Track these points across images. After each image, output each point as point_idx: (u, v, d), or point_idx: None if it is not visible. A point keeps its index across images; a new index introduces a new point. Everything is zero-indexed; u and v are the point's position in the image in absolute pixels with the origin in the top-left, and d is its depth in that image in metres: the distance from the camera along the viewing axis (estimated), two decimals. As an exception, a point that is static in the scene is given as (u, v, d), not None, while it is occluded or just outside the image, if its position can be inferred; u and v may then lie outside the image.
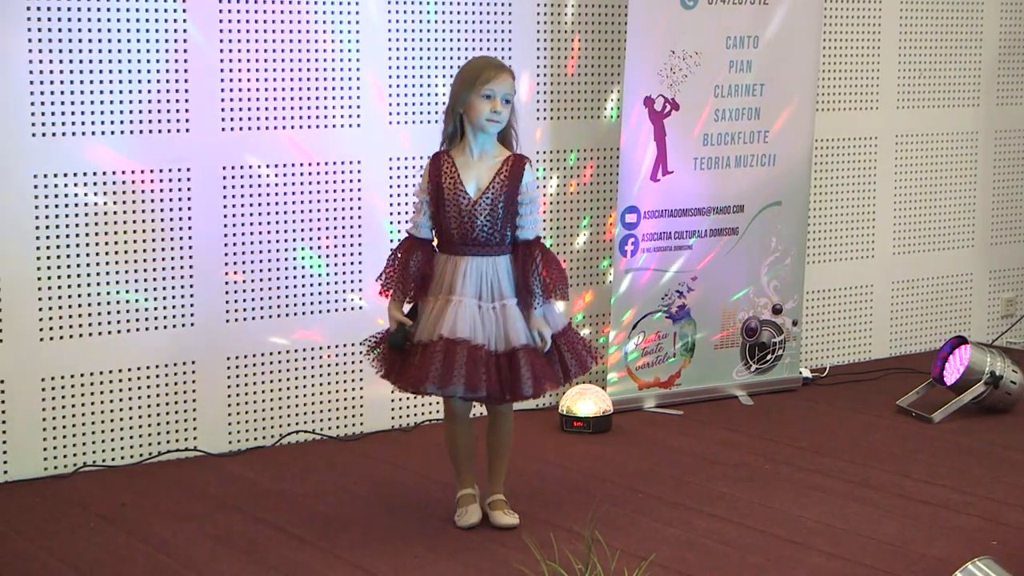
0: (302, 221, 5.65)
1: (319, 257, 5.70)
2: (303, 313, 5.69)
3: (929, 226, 7.40)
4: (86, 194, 5.22)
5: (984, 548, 4.44)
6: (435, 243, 4.59)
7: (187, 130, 5.40)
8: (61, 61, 5.13)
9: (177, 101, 5.37)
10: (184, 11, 5.33)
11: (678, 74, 6.09)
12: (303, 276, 5.68)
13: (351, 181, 5.75)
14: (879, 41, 7.09)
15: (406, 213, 5.85)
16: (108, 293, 5.30)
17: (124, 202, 5.30)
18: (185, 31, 5.35)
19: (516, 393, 4.48)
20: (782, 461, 5.47)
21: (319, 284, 5.72)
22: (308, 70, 5.62)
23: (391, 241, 5.81)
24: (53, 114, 5.14)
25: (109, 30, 5.20)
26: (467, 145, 4.53)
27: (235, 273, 5.52)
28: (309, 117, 5.63)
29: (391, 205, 5.84)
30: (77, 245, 5.22)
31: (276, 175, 5.59)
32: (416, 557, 4.40)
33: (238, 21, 5.45)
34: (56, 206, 5.18)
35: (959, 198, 7.47)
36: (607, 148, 6.33)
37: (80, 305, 5.25)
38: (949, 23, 7.29)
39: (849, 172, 7.10)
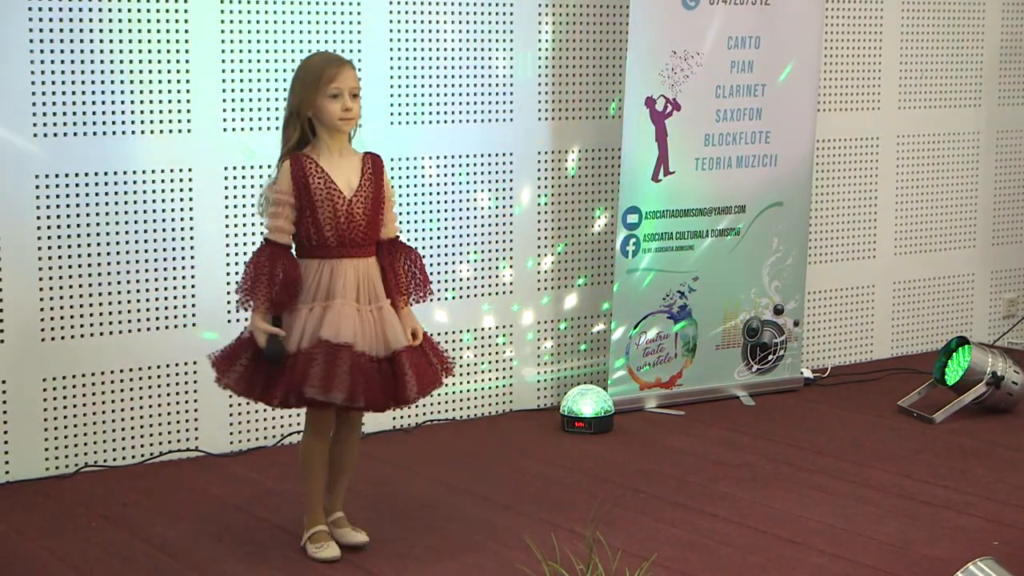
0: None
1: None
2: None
3: (931, 226, 7.40)
4: (87, 194, 5.22)
5: (985, 548, 4.44)
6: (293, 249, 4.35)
7: (188, 131, 5.40)
8: (63, 61, 5.14)
9: (179, 101, 5.37)
10: (186, 11, 5.33)
11: (679, 74, 6.09)
12: (305, 276, 5.68)
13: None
14: (880, 41, 7.09)
15: (410, 213, 5.85)
16: (110, 293, 5.30)
17: (126, 202, 5.30)
18: (187, 31, 5.35)
19: (401, 399, 4.29)
20: (783, 461, 5.47)
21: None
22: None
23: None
24: (55, 114, 5.14)
25: (111, 30, 5.21)
26: (323, 146, 4.29)
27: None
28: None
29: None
30: (79, 245, 5.23)
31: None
32: (417, 557, 4.40)
33: (239, 22, 5.45)
34: (57, 206, 5.18)
35: (961, 198, 7.47)
36: (608, 148, 6.33)
37: (82, 305, 5.25)
38: (950, 23, 7.29)
39: (851, 172, 7.10)
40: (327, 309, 4.24)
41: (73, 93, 5.17)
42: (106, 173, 5.26)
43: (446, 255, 5.98)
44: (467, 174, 6.01)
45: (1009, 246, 7.68)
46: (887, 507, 4.92)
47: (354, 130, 4.39)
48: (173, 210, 5.40)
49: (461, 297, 6.05)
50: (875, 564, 4.36)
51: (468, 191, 6.03)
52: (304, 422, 4.43)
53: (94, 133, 5.22)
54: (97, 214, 5.25)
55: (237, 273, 5.53)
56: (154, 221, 5.37)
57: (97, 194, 5.24)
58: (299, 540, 4.53)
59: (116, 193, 5.28)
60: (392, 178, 5.81)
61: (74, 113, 5.18)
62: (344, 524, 4.48)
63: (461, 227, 6.02)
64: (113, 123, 5.25)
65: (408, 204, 5.86)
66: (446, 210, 5.98)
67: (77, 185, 5.21)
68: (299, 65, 4.36)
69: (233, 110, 5.48)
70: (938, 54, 7.28)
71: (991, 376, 6.07)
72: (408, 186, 5.86)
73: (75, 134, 5.19)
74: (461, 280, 6.03)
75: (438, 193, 5.94)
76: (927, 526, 4.72)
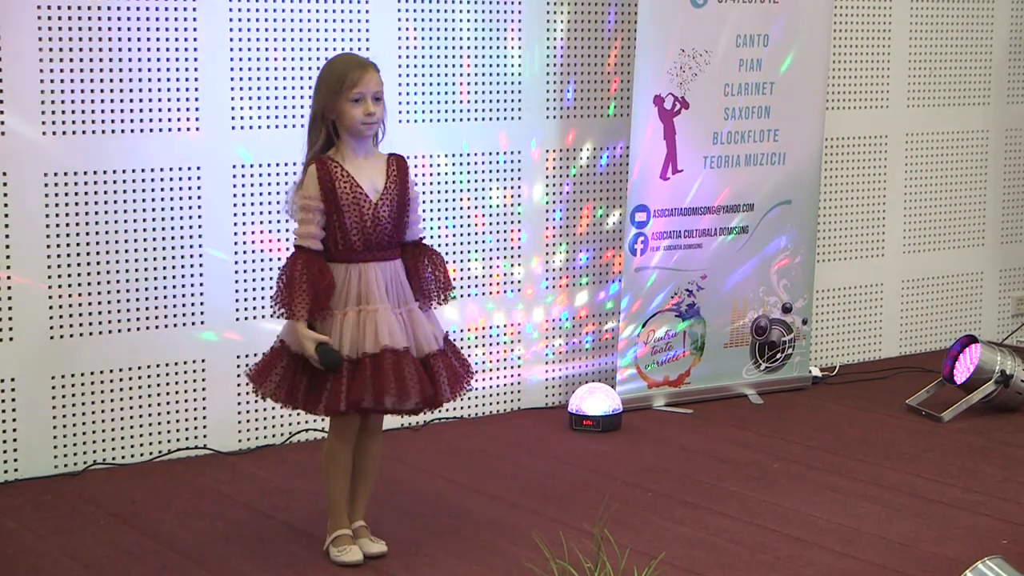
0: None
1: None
2: (313, 311, 5.69)
3: (939, 225, 7.39)
4: (96, 192, 5.23)
5: (994, 547, 4.44)
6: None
7: (197, 129, 5.40)
8: (72, 59, 5.14)
9: (187, 100, 5.37)
10: (195, 9, 5.34)
11: (688, 72, 6.08)
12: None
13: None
14: (889, 39, 7.08)
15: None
16: (119, 291, 5.31)
17: (135, 200, 5.31)
18: (196, 29, 5.35)
19: (436, 401, 4.30)
20: (792, 460, 5.47)
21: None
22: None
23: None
24: (64, 112, 5.15)
25: (119, 28, 5.21)
26: (348, 149, 4.27)
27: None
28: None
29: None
30: (87, 243, 5.23)
31: (285, 173, 5.59)
32: (426, 555, 4.40)
33: (248, 20, 5.46)
34: (66, 204, 5.18)
35: (969, 197, 7.46)
36: (617, 146, 6.33)
37: (90, 303, 5.26)
38: (959, 21, 7.28)
39: (859, 171, 7.09)
40: (366, 314, 4.23)
41: (82, 91, 5.17)
42: (115, 171, 5.26)
43: (454, 253, 5.98)
44: (475, 172, 6.01)
45: (1018, 244, 7.66)
46: (896, 506, 4.91)
47: (381, 132, 4.38)
48: (182, 208, 5.40)
49: (469, 295, 6.05)
50: (884, 563, 4.35)
51: (476, 189, 6.03)
52: (328, 426, 4.41)
53: (103, 131, 5.22)
54: (106, 212, 5.26)
55: (245, 272, 5.54)
56: (163, 219, 5.37)
57: (106, 192, 5.25)
58: (308, 537, 4.53)
59: (125, 191, 5.29)
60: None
61: (83, 111, 5.18)
62: (363, 534, 4.43)
63: (469, 225, 6.02)
64: (122, 121, 5.26)
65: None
66: (454, 208, 5.98)
67: (86, 183, 5.21)
68: (322, 68, 4.34)
69: (242, 108, 5.48)
70: (947, 52, 7.27)
71: (1000, 375, 6.06)
72: (416, 184, 5.86)
73: (84, 132, 5.19)
74: (469, 278, 6.03)
75: (446, 191, 5.94)
76: (936, 525, 4.71)
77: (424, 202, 5.88)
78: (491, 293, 6.11)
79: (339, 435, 4.36)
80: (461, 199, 5.99)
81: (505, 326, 6.15)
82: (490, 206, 6.07)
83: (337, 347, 4.20)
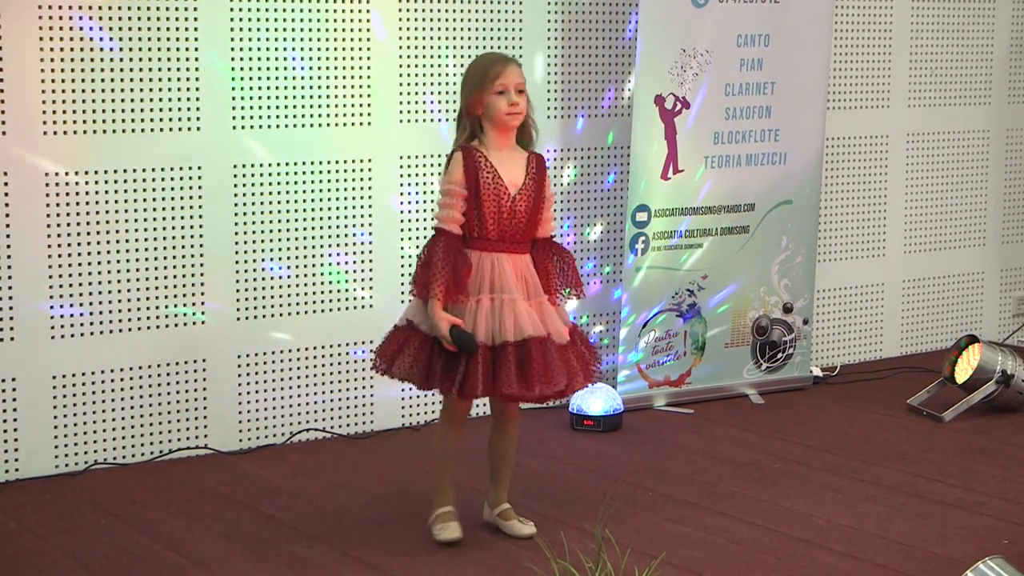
0: (312, 219, 5.65)
1: (330, 255, 5.70)
2: (313, 311, 5.69)
3: (940, 225, 7.38)
4: (97, 192, 5.23)
5: (995, 547, 4.43)
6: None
7: (198, 128, 5.40)
8: (72, 60, 5.14)
9: (188, 99, 5.37)
10: (195, 8, 5.33)
11: (689, 72, 6.08)
12: (313, 274, 5.68)
13: (362, 179, 5.75)
14: (890, 39, 7.08)
15: (416, 212, 5.85)
16: (119, 291, 5.31)
17: (135, 200, 5.31)
18: (196, 29, 5.35)
19: (575, 385, 4.44)
20: (792, 460, 5.47)
21: (329, 282, 5.72)
22: (318, 68, 5.62)
23: (401, 240, 5.81)
24: (64, 112, 5.15)
25: (120, 28, 5.21)
26: (491, 143, 4.40)
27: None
28: (320, 115, 5.63)
29: (401, 203, 5.84)
30: (88, 243, 5.23)
31: (287, 173, 5.59)
32: (426, 554, 4.40)
33: (249, 19, 5.46)
34: (67, 204, 5.19)
35: (970, 196, 7.46)
36: (617, 146, 6.32)
37: (91, 303, 5.26)
38: (960, 21, 7.28)
39: (860, 171, 7.09)
40: (503, 303, 4.33)
41: (83, 91, 5.17)
42: (115, 171, 5.26)
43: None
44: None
45: (1019, 244, 7.66)
46: (896, 506, 4.91)
47: (534, 129, 4.47)
48: (182, 208, 5.40)
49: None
50: (885, 563, 4.35)
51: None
52: (441, 411, 4.54)
53: (103, 131, 5.22)
54: (107, 212, 5.26)
55: (245, 271, 5.54)
56: (163, 219, 5.37)
57: (107, 192, 5.25)
58: (309, 537, 4.53)
59: (125, 191, 5.28)
60: (401, 178, 5.82)
61: (83, 111, 5.18)
62: (511, 516, 4.58)
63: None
64: (123, 121, 5.26)
65: (417, 203, 5.86)
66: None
67: (87, 183, 5.21)
68: (467, 67, 4.47)
69: (243, 108, 5.48)
70: (948, 52, 7.27)
71: (1001, 375, 6.06)
72: (417, 184, 5.86)
73: (84, 132, 5.19)
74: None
75: (447, 191, 5.94)
76: (937, 525, 4.71)
77: (423, 202, 5.88)
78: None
79: (451, 418, 4.50)
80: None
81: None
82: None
83: (471, 331, 4.30)
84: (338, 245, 5.72)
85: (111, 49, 5.20)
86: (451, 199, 4.36)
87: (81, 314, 5.25)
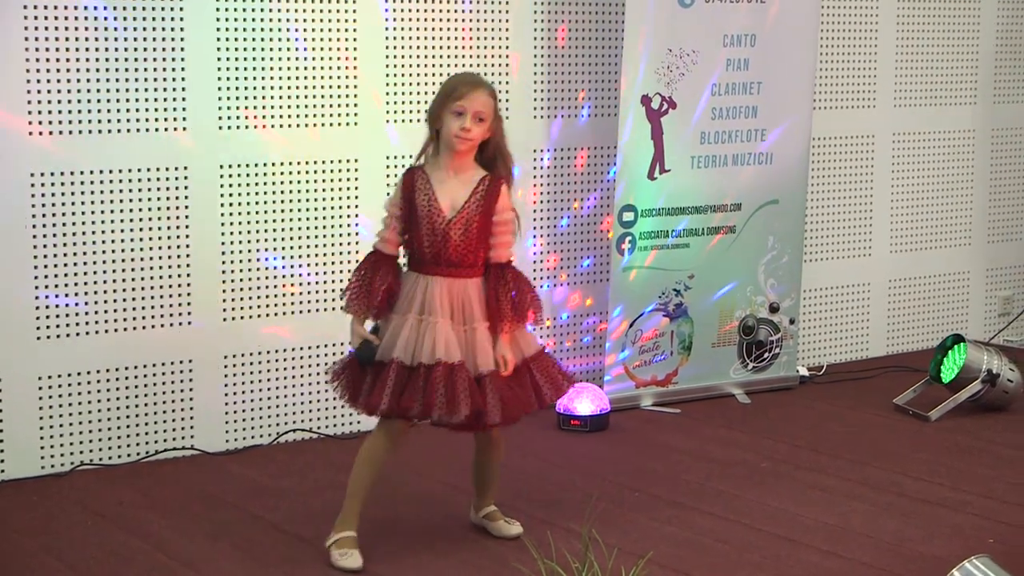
0: (299, 219, 5.65)
1: (316, 256, 5.69)
2: (300, 312, 5.69)
3: (926, 224, 7.40)
4: (83, 192, 5.22)
5: (981, 546, 4.44)
6: (401, 260, 4.44)
7: (184, 128, 5.40)
8: (59, 59, 5.13)
9: (174, 100, 5.36)
10: (182, 8, 5.33)
11: (675, 72, 6.09)
12: (300, 275, 5.68)
13: (349, 179, 5.75)
14: (876, 39, 7.09)
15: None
16: (105, 291, 5.30)
17: (121, 200, 5.30)
18: (183, 28, 5.35)
19: (482, 421, 4.30)
20: (779, 459, 5.48)
21: (316, 283, 5.72)
22: (305, 68, 5.61)
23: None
24: (50, 113, 5.14)
25: (106, 28, 5.20)
26: (442, 162, 4.35)
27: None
28: (306, 116, 5.62)
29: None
30: (74, 243, 5.22)
31: (274, 173, 5.58)
32: (413, 555, 4.40)
33: (235, 20, 5.45)
34: (53, 205, 5.18)
35: (956, 196, 7.48)
36: (604, 146, 6.33)
37: (77, 304, 5.25)
38: (946, 21, 7.30)
39: (846, 170, 7.10)
40: (427, 325, 4.29)
41: (68, 91, 5.16)
42: (102, 171, 5.25)
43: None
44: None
45: (1004, 244, 7.68)
46: (883, 505, 4.92)
47: (501, 157, 4.38)
48: (169, 208, 5.40)
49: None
50: (871, 562, 4.36)
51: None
52: (377, 424, 4.43)
53: (89, 131, 5.21)
54: (92, 212, 5.25)
55: (232, 271, 5.53)
56: (150, 219, 5.36)
57: (93, 192, 5.24)
58: (296, 537, 4.53)
59: (112, 191, 5.28)
60: (388, 178, 5.81)
61: (70, 111, 5.17)
62: (497, 517, 4.59)
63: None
64: (109, 121, 5.25)
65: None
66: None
67: (73, 183, 5.20)
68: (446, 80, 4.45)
69: (229, 108, 5.48)
70: (934, 52, 7.28)
71: (986, 374, 6.07)
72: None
73: (71, 132, 5.18)
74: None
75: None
76: (923, 524, 4.72)
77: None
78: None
79: (385, 436, 4.39)
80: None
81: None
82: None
83: (393, 349, 4.27)
84: (325, 245, 5.72)
85: (97, 49, 5.19)
86: (387, 219, 4.40)
87: (67, 314, 5.24)
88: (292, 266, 5.66)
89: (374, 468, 4.40)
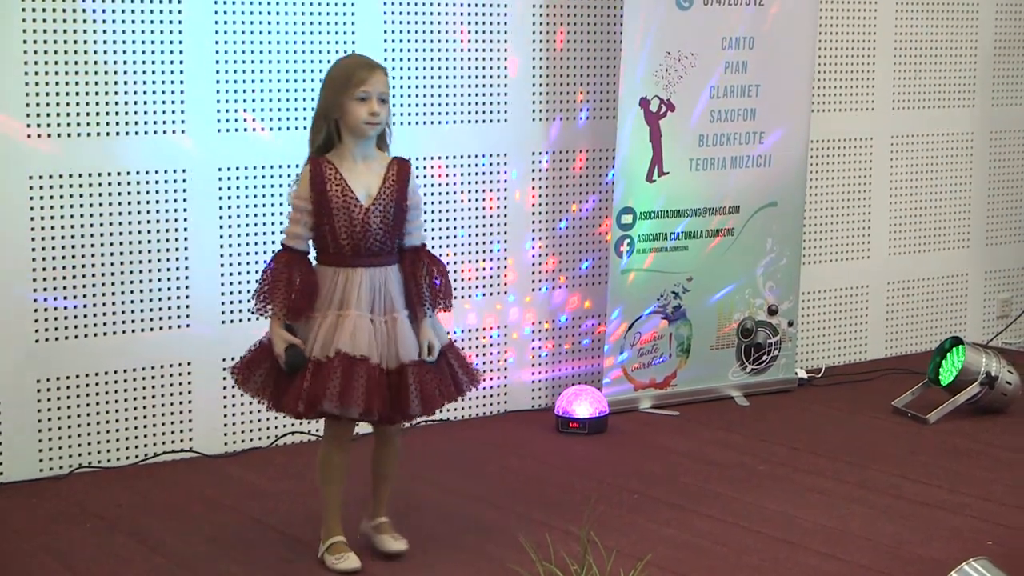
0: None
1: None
2: (299, 314, 5.68)
3: (925, 227, 7.40)
4: (82, 195, 5.22)
5: (980, 548, 4.44)
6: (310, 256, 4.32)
7: (183, 131, 5.40)
8: (57, 62, 5.13)
9: (173, 102, 5.37)
10: (180, 11, 5.33)
11: (674, 75, 6.09)
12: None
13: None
14: (874, 42, 7.09)
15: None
16: (104, 294, 5.30)
17: (120, 203, 5.30)
18: (181, 31, 5.35)
19: (404, 413, 4.25)
20: (778, 462, 5.48)
21: (315, 285, 5.71)
22: (303, 71, 5.62)
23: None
24: (49, 115, 5.14)
25: (105, 31, 5.20)
26: (347, 151, 4.22)
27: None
28: (305, 118, 5.62)
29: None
30: (73, 246, 5.22)
31: (271, 176, 5.58)
32: (411, 558, 4.40)
33: (233, 21, 5.45)
34: (51, 207, 5.18)
35: (954, 199, 7.48)
36: (602, 149, 6.33)
37: (76, 306, 5.25)
38: (944, 24, 7.30)
39: (845, 173, 7.11)
40: (342, 319, 4.19)
41: (67, 94, 5.16)
42: (100, 174, 5.25)
43: (440, 256, 5.97)
44: (461, 175, 6.01)
45: (1003, 246, 7.69)
46: (881, 507, 4.92)
47: (389, 135, 4.33)
48: (167, 210, 5.40)
49: (456, 298, 6.03)
50: (870, 564, 4.36)
51: (462, 192, 6.03)
52: (323, 430, 4.39)
53: (88, 134, 5.22)
54: (91, 215, 5.25)
55: (231, 274, 5.53)
56: (148, 222, 5.36)
57: (91, 194, 5.24)
58: (294, 540, 4.53)
59: (110, 193, 5.28)
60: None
61: (68, 114, 5.17)
62: (385, 530, 4.43)
63: (455, 228, 6.02)
64: (107, 123, 5.25)
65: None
66: (440, 211, 5.98)
67: (71, 186, 5.20)
68: (330, 67, 4.29)
69: (227, 110, 5.48)
70: (932, 55, 7.28)
71: (985, 376, 6.07)
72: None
73: (69, 135, 5.18)
74: (456, 282, 6.03)
75: (432, 194, 5.94)
76: (921, 526, 4.72)
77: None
78: (477, 296, 6.11)
79: (331, 439, 4.34)
80: (447, 201, 5.99)
81: (491, 328, 6.15)
82: (476, 208, 6.07)
83: (311, 348, 4.18)
84: (323, 248, 5.71)
85: (95, 52, 5.19)
86: (296, 214, 4.22)
87: (66, 317, 5.24)
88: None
89: (334, 472, 4.34)
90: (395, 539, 4.41)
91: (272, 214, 5.59)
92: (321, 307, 4.22)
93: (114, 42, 5.23)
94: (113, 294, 5.32)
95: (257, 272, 5.55)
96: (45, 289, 5.19)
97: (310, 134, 4.28)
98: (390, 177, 4.27)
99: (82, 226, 5.24)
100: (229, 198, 5.51)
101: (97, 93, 5.22)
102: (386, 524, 4.45)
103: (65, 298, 5.23)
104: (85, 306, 5.27)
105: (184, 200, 5.42)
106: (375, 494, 4.46)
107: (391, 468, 4.45)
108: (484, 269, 6.11)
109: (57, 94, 5.14)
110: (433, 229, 5.95)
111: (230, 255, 5.53)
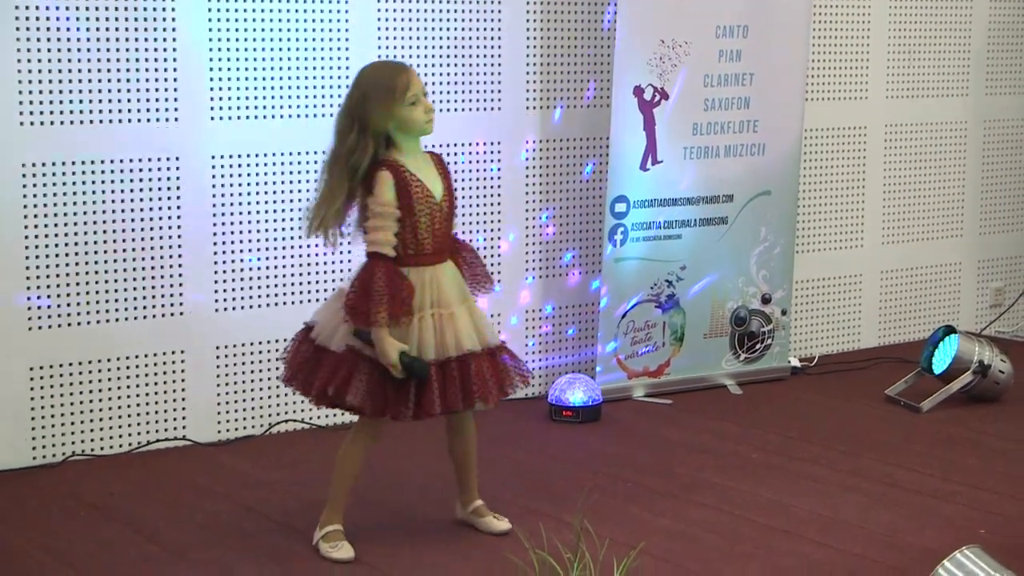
0: (290, 210, 5.64)
1: (308, 246, 5.68)
2: (292, 302, 5.68)
3: (918, 216, 7.41)
4: (74, 182, 5.21)
5: (972, 537, 4.45)
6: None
7: (176, 119, 5.39)
8: (50, 50, 5.12)
9: (166, 90, 5.35)
10: (173, 0, 5.33)
11: (668, 63, 6.09)
12: (292, 265, 5.67)
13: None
14: (868, 31, 7.09)
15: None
16: (97, 282, 5.29)
17: (112, 191, 5.29)
18: (174, 19, 5.33)
19: (474, 398, 4.34)
20: (771, 450, 5.48)
21: (308, 273, 5.71)
22: (296, 59, 5.61)
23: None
24: (42, 103, 5.13)
25: (98, 18, 5.19)
26: (408, 153, 4.25)
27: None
28: (298, 107, 5.62)
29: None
30: (65, 234, 5.21)
31: (265, 164, 5.58)
32: (406, 546, 4.40)
33: (227, 9, 5.44)
34: (44, 195, 5.17)
35: (948, 188, 7.48)
36: (596, 137, 6.32)
37: (69, 294, 5.24)
38: (938, 12, 7.30)
39: (838, 162, 7.10)
40: (444, 318, 4.26)
41: (60, 81, 5.15)
42: (92, 161, 5.24)
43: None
44: (454, 163, 6.00)
45: (996, 235, 7.69)
46: (875, 496, 4.93)
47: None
48: (160, 199, 5.39)
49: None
50: (863, 552, 4.37)
51: (457, 180, 6.01)
52: (358, 426, 4.38)
53: (80, 121, 5.20)
54: (84, 203, 5.24)
55: (224, 262, 5.52)
56: (141, 210, 5.35)
57: (84, 182, 5.23)
58: (288, 528, 4.53)
59: (103, 182, 5.27)
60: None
61: (60, 101, 5.16)
62: (484, 513, 4.54)
63: (449, 216, 6.01)
64: (100, 111, 5.24)
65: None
66: (434, 199, 5.96)
67: (64, 173, 5.19)
68: (358, 81, 4.23)
69: (220, 99, 5.47)
70: (926, 43, 7.28)
71: (978, 365, 6.08)
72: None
73: (62, 122, 5.17)
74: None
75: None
76: (915, 515, 4.73)
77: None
78: (471, 284, 6.11)
79: (368, 435, 4.36)
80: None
81: (485, 317, 6.15)
82: (469, 197, 6.06)
83: (416, 352, 4.21)
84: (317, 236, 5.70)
85: (88, 39, 5.18)
86: (385, 221, 4.20)
87: (59, 305, 5.23)
88: (284, 257, 5.65)
89: (357, 465, 4.38)
90: (498, 519, 4.53)
91: (264, 202, 5.58)
92: (413, 310, 4.25)
93: (107, 29, 5.21)
94: (106, 282, 5.31)
95: (250, 260, 5.55)
96: (37, 277, 5.18)
97: (348, 155, 4.18)
98: (443, 171, 4.36)
99: (75, 213, 5.22)
100: (222, 186, 5.51)
101: (89, 80, 5.20)
102: (483, 507, 4.55)
103: (58, 286, 5.22)
104: (78, 294, 5.26)
105: (177, 187, 5.41)
106: (462, 481, 4.55)
107: (472, 452, 4.54)
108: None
109: (49, 82, 5.13)
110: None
111: (223, 243, 5.52)
